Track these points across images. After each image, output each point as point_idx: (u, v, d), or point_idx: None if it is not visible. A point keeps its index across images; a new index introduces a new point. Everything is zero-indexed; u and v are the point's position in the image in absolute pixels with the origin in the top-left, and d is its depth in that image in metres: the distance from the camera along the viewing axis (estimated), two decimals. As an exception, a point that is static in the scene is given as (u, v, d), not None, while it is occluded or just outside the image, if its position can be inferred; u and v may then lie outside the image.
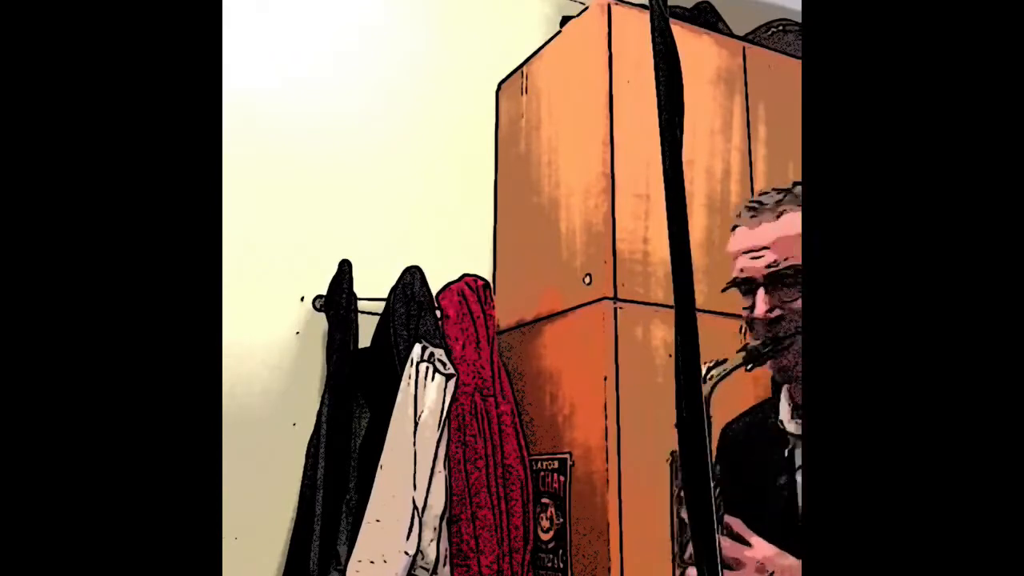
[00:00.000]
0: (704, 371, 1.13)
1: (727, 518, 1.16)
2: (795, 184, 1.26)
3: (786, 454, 1.26)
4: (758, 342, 1.19)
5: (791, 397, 1.28)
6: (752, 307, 1.21)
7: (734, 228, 1.28)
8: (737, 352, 1.16)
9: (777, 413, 1.29)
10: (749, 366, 1.17)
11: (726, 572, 1.10)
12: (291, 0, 2.50)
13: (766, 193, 1.26)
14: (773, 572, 1.11)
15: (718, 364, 1.13)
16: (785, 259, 1.18)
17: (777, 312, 1.18)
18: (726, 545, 1.14)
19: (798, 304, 1.18)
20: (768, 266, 1.19)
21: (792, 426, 1.26)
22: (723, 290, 1.25)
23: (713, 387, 1.09)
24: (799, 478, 1.23)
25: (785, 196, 1.23)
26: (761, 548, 1.14)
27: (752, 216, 1.22)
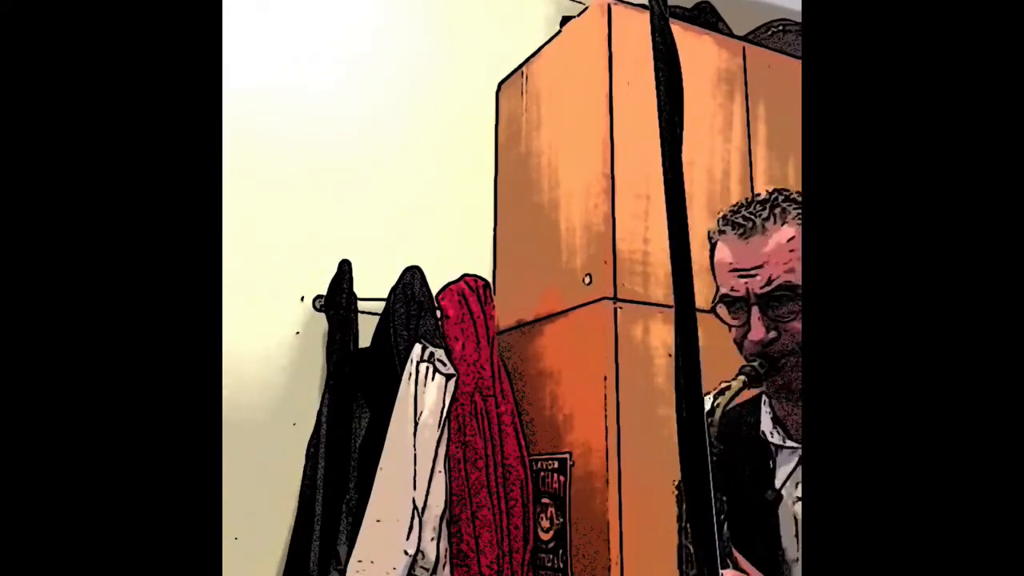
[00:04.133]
0: (711, 400, 1.14)
1: (735, 552, 1.16)
2: (774, 193, 1.24)
3: (771, 465, 1.25)
4: (755, 363, 1.17)
5: (772, 408, 1.28)
6: (745, 325, 1.20)
7: (714, 241, 1.26)
8: (736, 376, 1.16)
9: (759, 422, 1.28)
10: (750, 388, 1.17)
11: None
12: (291, 0, 2.50)
13: (746, 206, 1.24)
14: None
15: (723, 392, 1.14)
16: (779, 278, 1.17)
17: (773, 334, 1.18)
18: None
19: (793, 324, 1.17)
20: (763, 286, 1.17)
21: (775, 437, 1.26)
22: (712, 308, 1.23)
23: (722, 414, 1.11)
24: (784, 494, 1.22)
25: (768, 210, 1.21)
26: None
27: (741, 233, 1.20)
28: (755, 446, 1.27)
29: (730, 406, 1.13)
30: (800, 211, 1.21)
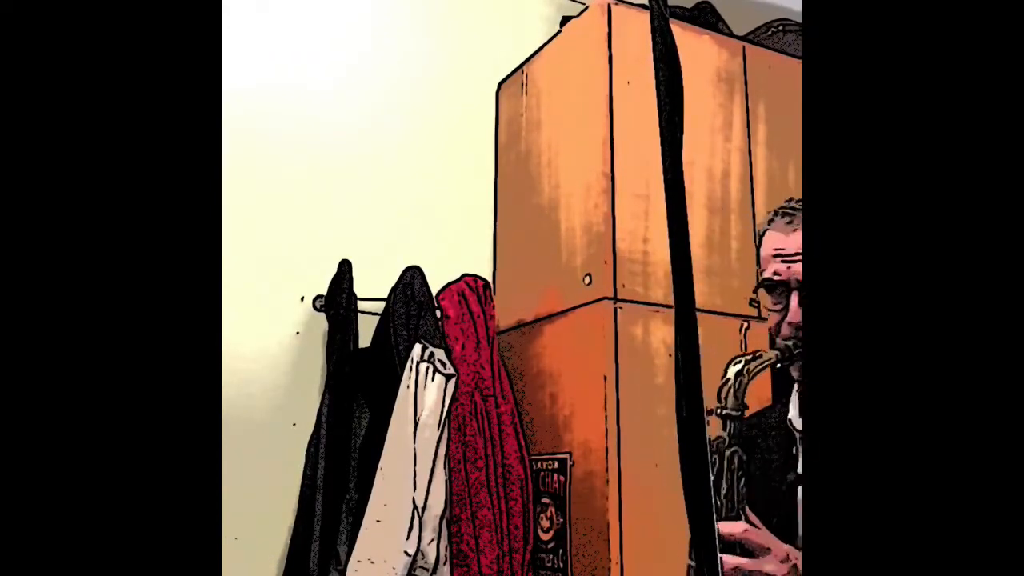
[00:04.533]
0: (742, 364, 1.16)
1: (748, 511, 1.18)
2: None
3: (794, 451, 1.29)
4: (789, 342, 1.21)
5: (800, 398, 1.31)
6: (784, 309, 1.23)
7: (764, 231, 1.30)
8: (771, 349, 1.20)
9: (787, 412, 1.32)
10: (780, 364, 1.21)
11: (755, 560, 1.13)
12: (291, 0, 2.50)
13: (797, 200, 1.29)
14: (795, 563, 1.13)
15: (755, 358, 1.17)
16: None
17: None
18: (756, 534, 1.16)
19: None
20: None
21: (801, 424, 1.29)
22: (755, 290, 1.28)
23: (750, 379, 1.14)
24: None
25: None
26: (777, 541, 1.16)
27: (788, 222, 1.25)
28: (782, 433, 1.32)
29: (758, 374, 1.16)
30: None
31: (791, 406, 1.33)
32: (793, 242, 1.24)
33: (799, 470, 1.27)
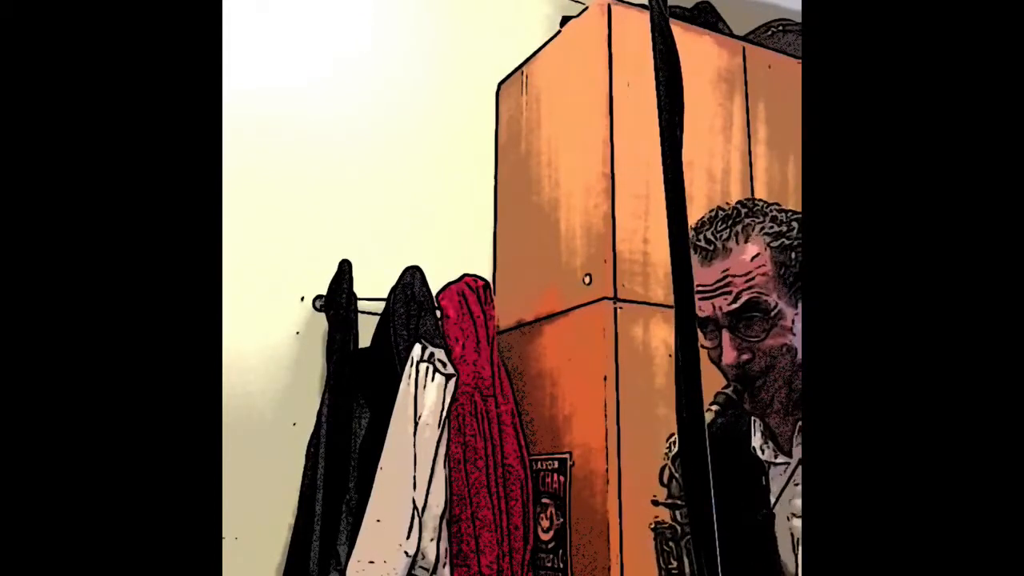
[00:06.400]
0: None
1: None
2: (738, 207, 1.23)
3: (764, 482, 1.24)
4: (728, 390, 1.17)
5: (764, 423, 1.26)
6: (718, 348, 1.19)
7: None
8: (711, 404, 1.14)
9: (749, 439, 1.27)
10: (726, 414, 1.16)
11: None
12: (291, 0, 2.50)
13: (709, 225, 1.22)
14: None
15: None
16: (744, 295, 1.16)
17: (747, 355, 1.17)
18: None
19: (766, 343, 1.16)
20: (730, 304, 1.17)
21: (766, 453, 1.24)
22: None
23: (714, 431, 1.08)
24: (777, 511, 1.21)
25: (730, 229, 1.20)
26: None
27: (704, 257, 1.20)
28: (747, 463, 1.25)
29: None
30: (764, 225, 1.20)
31: (753, 431, 1.26)
32: (711, 276, 1.18)
33: (769, 505, 1.21)
